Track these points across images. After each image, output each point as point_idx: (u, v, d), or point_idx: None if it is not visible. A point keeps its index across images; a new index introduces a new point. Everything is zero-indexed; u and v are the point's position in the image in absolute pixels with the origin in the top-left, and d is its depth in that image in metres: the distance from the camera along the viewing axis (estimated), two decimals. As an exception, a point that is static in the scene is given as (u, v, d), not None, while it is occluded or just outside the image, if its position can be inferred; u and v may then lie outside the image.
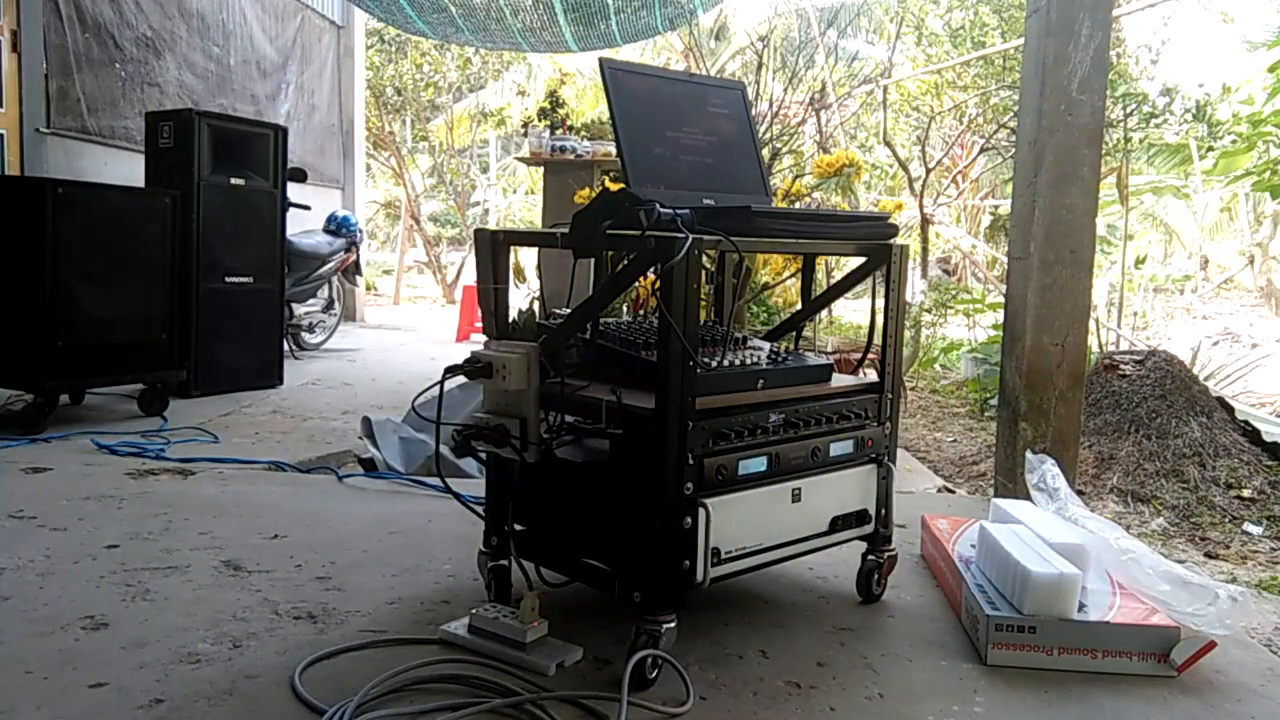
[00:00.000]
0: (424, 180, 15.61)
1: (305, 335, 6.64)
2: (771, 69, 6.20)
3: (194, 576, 1.88)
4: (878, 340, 1.83)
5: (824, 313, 6.62)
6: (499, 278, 1.70)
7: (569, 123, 4.93)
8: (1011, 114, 7.14)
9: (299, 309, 6.52)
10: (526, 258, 5.08)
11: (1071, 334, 2.54)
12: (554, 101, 4.88)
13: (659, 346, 1.47)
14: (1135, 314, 9.48)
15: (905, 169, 7.26)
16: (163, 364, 4.22)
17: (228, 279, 4.84)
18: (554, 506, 1.70)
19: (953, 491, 3.43)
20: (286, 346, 5.57)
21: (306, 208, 6.05)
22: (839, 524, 1.73)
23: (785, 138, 5.07)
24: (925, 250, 6.81)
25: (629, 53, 9.35)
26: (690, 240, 1.40)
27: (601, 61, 1.83)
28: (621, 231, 1.48)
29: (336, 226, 6.80)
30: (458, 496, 1.81)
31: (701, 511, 1.48)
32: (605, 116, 7.33)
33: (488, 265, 1.70)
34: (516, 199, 18.22)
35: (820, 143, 6.67)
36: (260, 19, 7.48)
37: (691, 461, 1.46)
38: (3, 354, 3.70)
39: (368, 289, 11.40)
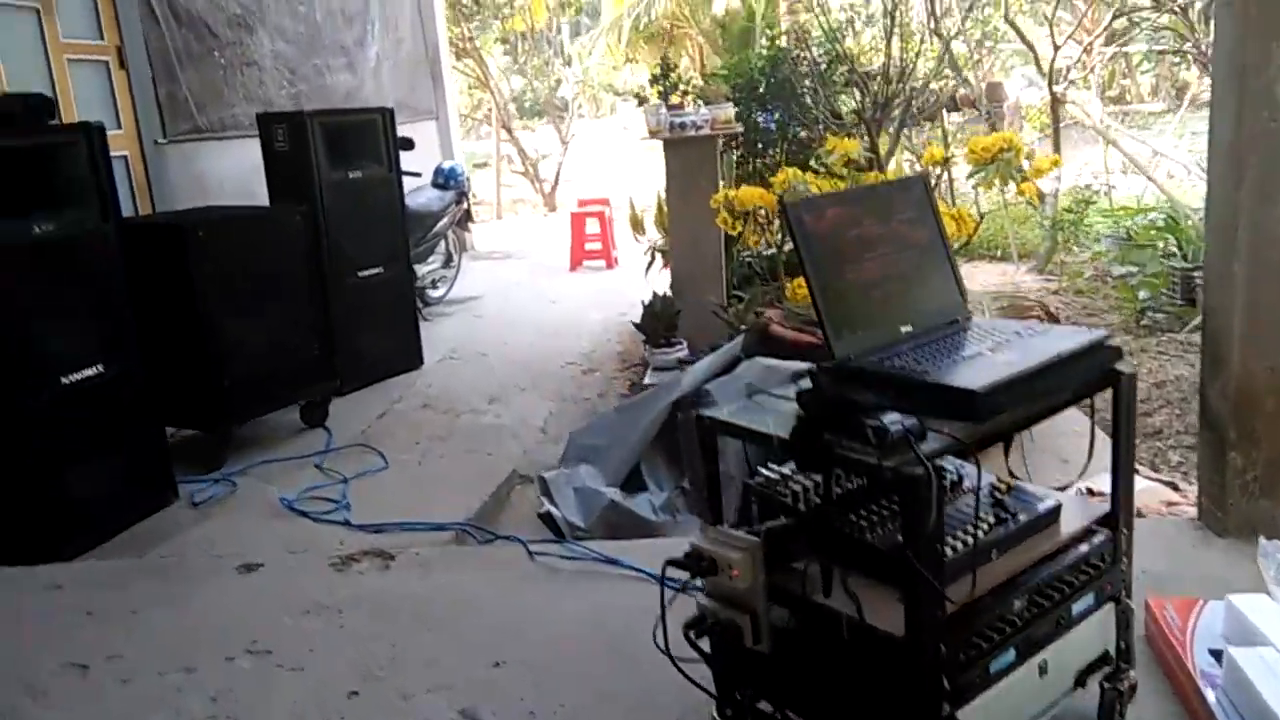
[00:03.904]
0: (508, 83, 15.28)
1: (429, 292, 6.73)
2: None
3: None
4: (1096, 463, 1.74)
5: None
6: (710, 460, 1.67)
7: (680, 87, 4.70)
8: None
9: (420, 269, 6.58)
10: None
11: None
12: (665, 67, 4.65)
13: (905, 585, 1.42)
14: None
15: (1032, 49, 6.70)
16: (319, 377, 4.36)
17: (360, 273, 4.90)
18: (793, 693, 1.68)
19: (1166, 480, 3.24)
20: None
21: (417, 174, 6.03)
22: (1082, 675, 1.70)
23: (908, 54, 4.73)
24: (1057, 133, 6.37)
25: None
26: (934, 479, 1.34)
27: (783, 203, 1.73)
28: (850, 454, 1.43)
29: (444, 180, 6.77)
30: (684, 674, 1.76)
31: (956, 727, 1.46)
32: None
33: (696, 448, 1.67)
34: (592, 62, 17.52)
35: (935, 30, 6.19)
36: (337, -38, 7.28)
37: (946, 684, 1.45)
38: (176, 397, 3.85)
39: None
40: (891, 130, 4.69)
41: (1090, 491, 2.97)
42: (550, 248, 9.23)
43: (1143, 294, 5.20)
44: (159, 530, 3.32)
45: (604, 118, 27.10)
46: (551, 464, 3.76)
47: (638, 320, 4.88)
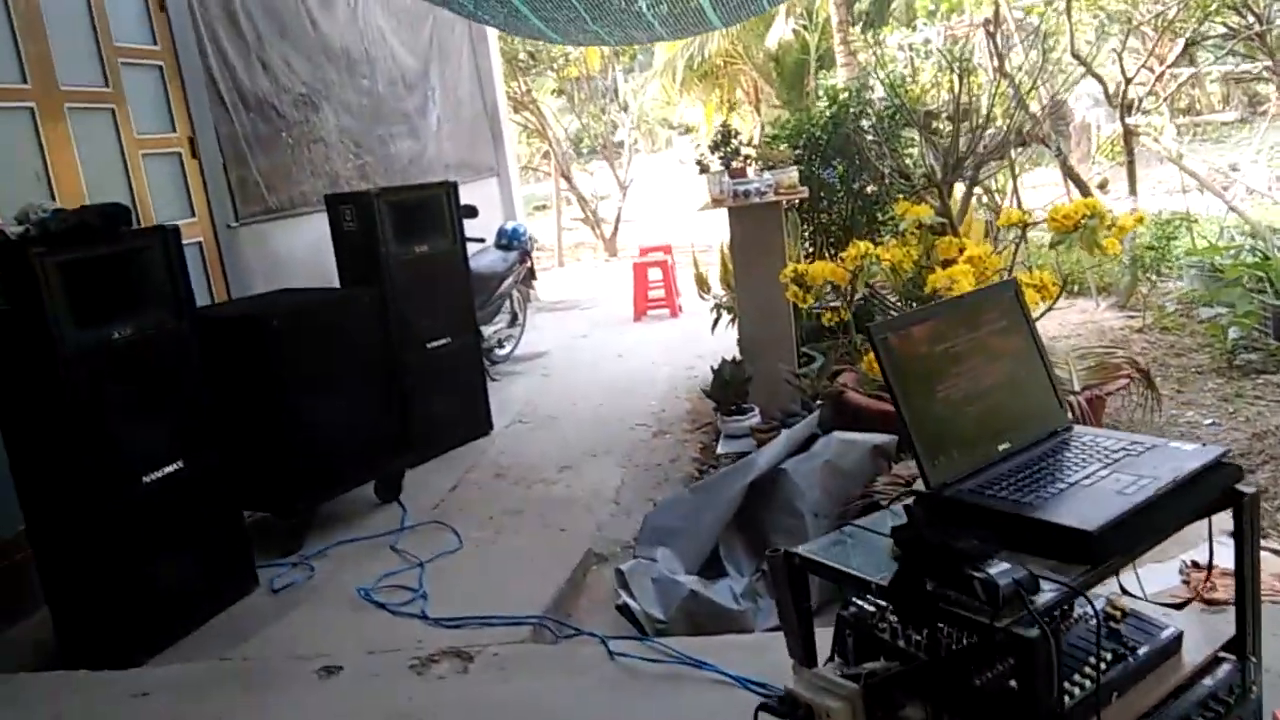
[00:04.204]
0: (564, 128, 15.44)
1: (496, 351, 6.76)
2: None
3: None
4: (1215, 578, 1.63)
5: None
6: (800, 599, 1.60)
7: (742, 151, 4.66)
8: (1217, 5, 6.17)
9: (486, 330, 6.61)
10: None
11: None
12: (725, 134, 4.62)
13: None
14: None
15: (1101, 81, 6.51)
16: (392, 454, 4.39)
17: (428, 345, 4.94)
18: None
19: (1275, 548, 3.06)
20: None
21: (481, 240, 6.07)
22: (1210, 819, 1.58)
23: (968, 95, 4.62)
24: (1132, 167, 6.17)
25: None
26: (1051, 641, 1.26)
27: (870, 330, 1.67)
28: (957, 610, 1.35)
29: (508, 240, 6.82)
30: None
31: None
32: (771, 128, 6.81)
33: (786, 591, 1.60)
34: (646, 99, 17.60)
35: (999, 67, 6.07)
36: (397, 32, 7.42)
37: None
38: (253, 482, 3.88)
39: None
40: (965, 180, 4.56)
41: (1195, 565, 2.83)
42: (613, 296, 9.22)
43: (1233, 332, 4.97)
44: (240, 622, 3.33)
45: (659, 152, 27.32)
46: (625, 539, 3.71)
47: (705, 373, 4.81)
